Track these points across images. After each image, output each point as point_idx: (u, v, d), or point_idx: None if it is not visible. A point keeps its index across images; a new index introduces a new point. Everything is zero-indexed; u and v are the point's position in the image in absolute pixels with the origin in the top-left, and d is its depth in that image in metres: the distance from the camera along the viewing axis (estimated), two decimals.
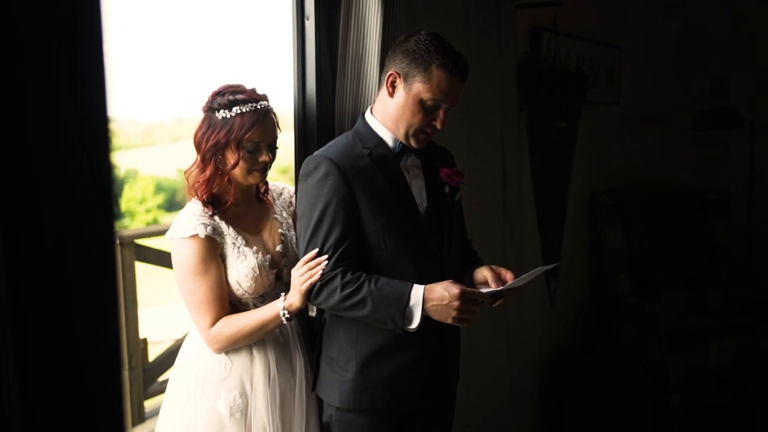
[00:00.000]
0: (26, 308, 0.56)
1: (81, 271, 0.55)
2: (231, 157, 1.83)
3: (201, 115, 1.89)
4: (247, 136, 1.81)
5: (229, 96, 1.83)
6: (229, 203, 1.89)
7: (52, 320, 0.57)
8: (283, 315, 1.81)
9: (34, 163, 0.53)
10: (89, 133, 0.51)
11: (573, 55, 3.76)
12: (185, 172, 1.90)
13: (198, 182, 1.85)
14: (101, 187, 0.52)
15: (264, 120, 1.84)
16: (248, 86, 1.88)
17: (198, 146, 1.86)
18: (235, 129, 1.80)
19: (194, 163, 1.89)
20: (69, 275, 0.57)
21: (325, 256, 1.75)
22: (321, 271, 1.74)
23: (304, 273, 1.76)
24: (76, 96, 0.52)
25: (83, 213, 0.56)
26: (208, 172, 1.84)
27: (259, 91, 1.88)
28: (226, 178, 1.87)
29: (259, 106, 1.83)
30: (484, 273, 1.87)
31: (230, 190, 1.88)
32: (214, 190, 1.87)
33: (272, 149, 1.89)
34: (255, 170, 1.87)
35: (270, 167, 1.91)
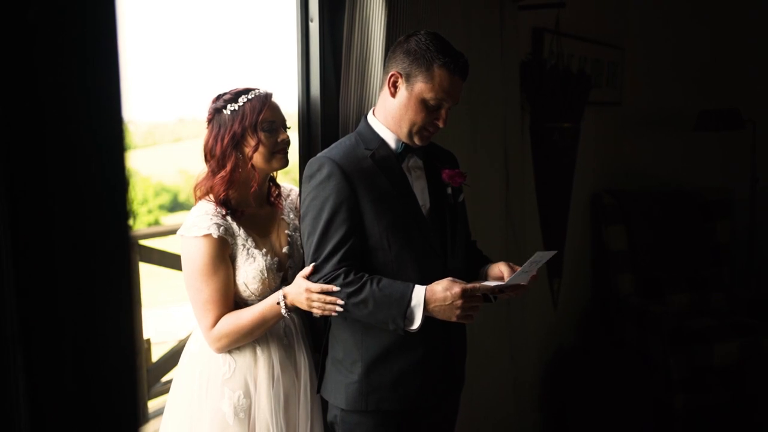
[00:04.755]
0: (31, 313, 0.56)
1: (93, 275, 0.56)
2: (251, 142, 1.86)
3: (203, 119, 1.92)
4: (261, 117, 1.86)
5: (229, 93, 1.88)
6: (253, 189, 1.89)
7: (60, 324, 0.57)
8: (285, 313, 1.81)
9: (48, 164, 0.53)
10: (103, 135, 0.52)
11: (575, 55, 3.76)
12: (195, 186, 1.90)
13: (215, 183, 1.86)
14: (115, 189, 0.53)
15: (270, 101, 1.90)
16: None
17: (212, 150, 1.88)
18: (247, 114, 1.85)
19: (207, 170, 1.89)
20: (81, 279, 0.57)
21: (342, 301, 1.73)
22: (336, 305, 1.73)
23: (321, 301, 1.73)
24: (89, 96, 0.53)
25: (96, 215, 0.57)
26: (228, 168, 1.85)
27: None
28: (249, 165, 1.87)
29: (261, 91, 1.90)
30: (501, 268, 1.88)
31: (255, 176, 1.89)
32: (232, 189, 1.88)
33: (286, 130, 1.93)
34: (277, 152, 1.89)
35: (289, 147, 1.93)
